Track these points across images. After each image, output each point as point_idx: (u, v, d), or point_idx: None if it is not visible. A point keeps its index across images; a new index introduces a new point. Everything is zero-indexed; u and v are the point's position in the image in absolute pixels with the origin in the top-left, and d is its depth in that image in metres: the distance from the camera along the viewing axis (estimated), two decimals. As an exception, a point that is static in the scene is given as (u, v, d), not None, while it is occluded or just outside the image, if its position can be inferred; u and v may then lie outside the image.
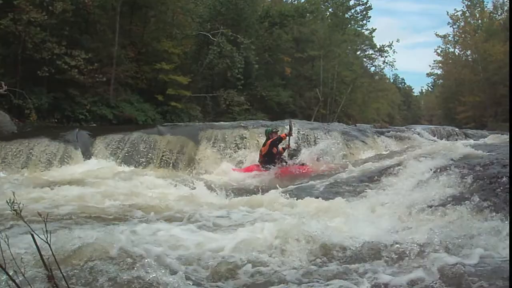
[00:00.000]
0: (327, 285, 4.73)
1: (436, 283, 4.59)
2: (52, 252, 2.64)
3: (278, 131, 15.11)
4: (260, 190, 10.39)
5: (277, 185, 10.76)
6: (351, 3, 59.34)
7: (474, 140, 17.33)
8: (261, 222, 7.07)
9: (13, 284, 2.56)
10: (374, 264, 5.21)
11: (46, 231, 2.46)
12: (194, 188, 10.91)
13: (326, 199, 8.91)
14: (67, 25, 24.44)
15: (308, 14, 48.31)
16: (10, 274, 2.58)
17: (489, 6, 69.62)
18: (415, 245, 5.54)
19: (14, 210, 2.45)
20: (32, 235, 2.56)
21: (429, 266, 4.95)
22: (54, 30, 23.64)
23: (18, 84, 21.36)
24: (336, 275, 4.96)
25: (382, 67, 67.17)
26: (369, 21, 64.39)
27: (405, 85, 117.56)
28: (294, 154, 15.38)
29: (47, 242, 2.49)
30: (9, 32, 21.42)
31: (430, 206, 7.45)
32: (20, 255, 4.32)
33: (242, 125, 18.30)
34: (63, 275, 2.95)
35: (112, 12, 28.01)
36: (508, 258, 4.78)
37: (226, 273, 5.02)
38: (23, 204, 2.56)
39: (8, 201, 2.47)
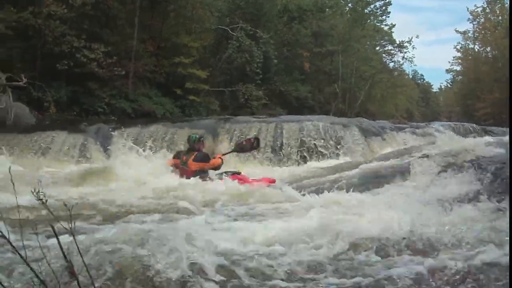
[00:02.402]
0: (344, 278, 4.70)
1: (444, 281, 4.56)
2: (77, 244, 2.60)
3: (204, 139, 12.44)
4: (276, 185, 10.34)
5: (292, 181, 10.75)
6: (371, -2, 59.04)
7: (493, 137, 17.14)
8: (281, 216, 7.02)
9: (36, 278, 2.53)
10: (388, 259, 5.19)
11: (71, 221, 2.41)
12: (216, 180, 10.82)
13: (342, 194, 8.82)
14: (87, 19, 24.58)
15: (327, 9, 48.17)
16: (34, 268, 2.55)
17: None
18: (428, 241, 5.58)
19: (39, 200, 2.41)
20: (52, 226, 2.53)
21: (439, 263, 4.90)
22: (73, 23, 23.74)
23: (37, 77, 21.45)
24: (354, 268, 4.92)
25: (401, 63, 66.82)
26: (388, 17, 64.24)
27: (424, 81, 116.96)
28: None
29: (72, 233, 2.44)
30: (29, 25, 21.53)
31: (446, 203, 7.36)
32: (45, 248, 4.29)
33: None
34: (87, 268, 2.92)
35: (132, 6, 28.06)
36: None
37: (258, 267, 4.96)
38: (47, 195, 2.51)
39: (33, 190, 2.43)
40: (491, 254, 5.05)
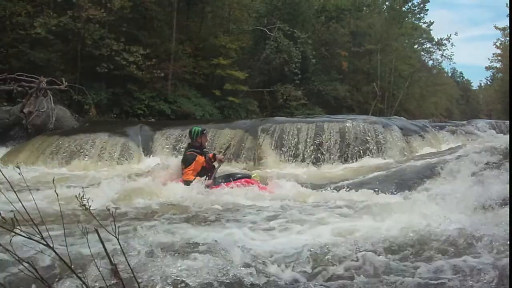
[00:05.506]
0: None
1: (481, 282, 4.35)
2: (121, 247, 2.50)
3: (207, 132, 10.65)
4: (320, 186, 10.15)
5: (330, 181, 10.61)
6: (408, -4, 58.41)
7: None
8: (332, 218, 6.88)
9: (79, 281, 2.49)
10: (425, 261, 4.94)
11: (115, 225, 2.33)
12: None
13: (382, 193, 8.80)
14: (125, 22, 24.76)
15: (364, 8, 47.89)
16: (78, 271, 2.49)
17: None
18: (467, 241, 5.47)
19: (82, 205, 2.33)
20: (96, 230, 2.45)
21: (474, 263, 4.74)
22: (112, 26, 24.00)
23: (77, 80, 21.64)
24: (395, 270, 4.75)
25: (440, 60, 66.17)
26: (426, 14, 63.24)
27: (464, 79, 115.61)
28: None
29: (116, 236, 2.35)
30: (69, 29, 21.76)
31: (489, 202, 7.13)
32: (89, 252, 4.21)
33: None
34: (132, 270, 2.82)
35: (169, 8, 28.19)
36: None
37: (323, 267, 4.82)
38: (92, 200, 2.44)
39: (77, 196, 2.35)
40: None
